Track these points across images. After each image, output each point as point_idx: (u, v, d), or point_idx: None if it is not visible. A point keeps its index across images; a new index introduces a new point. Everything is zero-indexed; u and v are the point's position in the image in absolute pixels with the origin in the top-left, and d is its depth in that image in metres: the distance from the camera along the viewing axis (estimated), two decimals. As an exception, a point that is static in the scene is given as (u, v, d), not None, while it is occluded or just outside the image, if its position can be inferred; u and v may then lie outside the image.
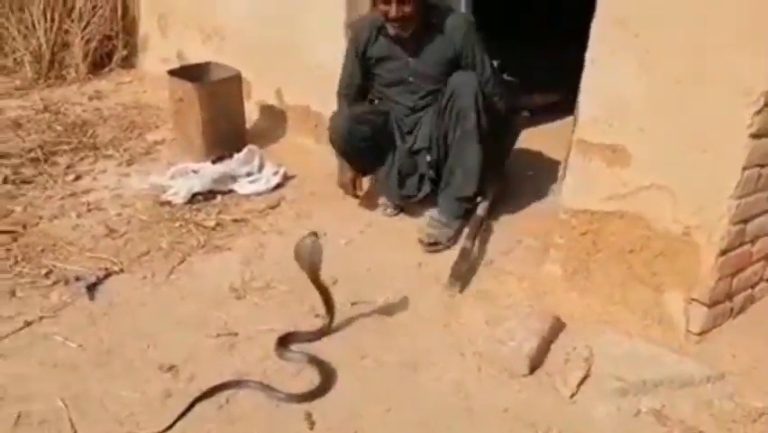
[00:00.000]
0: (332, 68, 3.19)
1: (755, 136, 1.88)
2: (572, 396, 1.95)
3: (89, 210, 2.89)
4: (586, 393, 1.96)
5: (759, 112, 1.84)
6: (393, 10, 2.57)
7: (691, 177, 2.03)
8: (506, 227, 2.79)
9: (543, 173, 3.21)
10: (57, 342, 2.10)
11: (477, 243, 2.61)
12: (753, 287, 2.25)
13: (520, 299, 2.38)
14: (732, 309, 2.20)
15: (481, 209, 2.73)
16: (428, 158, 2.82)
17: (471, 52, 2.69)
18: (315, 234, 2.10)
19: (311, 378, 2.00)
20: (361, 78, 2.88)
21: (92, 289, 2.34)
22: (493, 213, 2.83)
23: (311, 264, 2.08)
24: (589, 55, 2.17)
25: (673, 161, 2.05)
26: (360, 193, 2.97)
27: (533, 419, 1.87)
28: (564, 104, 3.85)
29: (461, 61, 2.70)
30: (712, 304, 2.09)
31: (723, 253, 2.02)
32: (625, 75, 2.09)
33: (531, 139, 3.45)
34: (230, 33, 3.80)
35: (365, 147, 2.85)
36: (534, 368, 2.04)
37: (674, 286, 2.14)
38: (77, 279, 2.38)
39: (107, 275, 2.44)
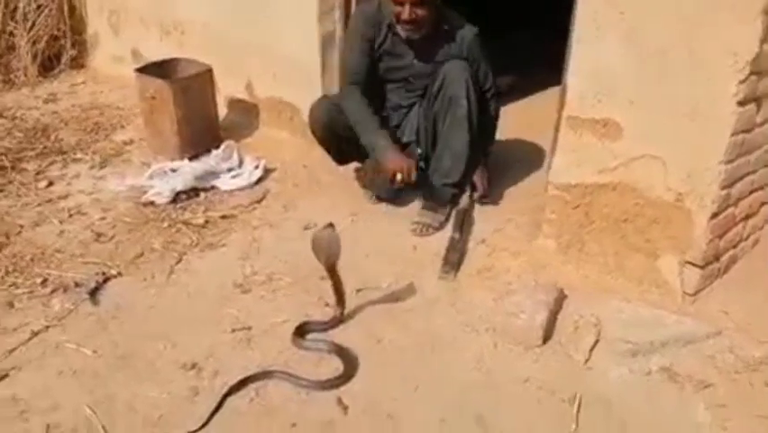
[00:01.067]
0: (304, 57, 3.19)
1: (741, 103, 2.01)
2: (586, 361, 2.05)
3: (71, 215, 2.80)
4: (599, 358, 2.06)
5: (745, 80, 1.97)
6: (406, 12, 2.56)
7: (681, 145, 2.14)
8: (493, 207, 2.86)
9: (521, 153, 3.31)
10: (70, 349, 2.04)
11: (463, 232, 2.67)
12: (735, 246, 2.40)
13: (518, 274, 2.46)
14: (719, 269, 2.34)
15: (466, 199, 2.81)
16: (418, 150, 2.86)
17: (477, 65, 2.73)
18: (331, 225, 2.12)
19: (334, 365, 2.02)
20: (369, 66, 2.78)
21: (94, 294, 2.29)
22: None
23: (329, 256, 2.09)
24: (575, 35, 2.26)
25: (663, 132, 2.16)
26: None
27: (554, 386, 1.96)
28: (520, 85, 4.01)
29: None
30: (704, 265, 2.22)
31: (713, 216, 2.15)
32: (612, 51, 2.18)
33: (505, 120, 3.54)
34: (192, 27, 3.72)
35: (346, 137, 2.85)
36: (546, 338, 2.12)
37: (668, 251, 2.27)
38: (77, 285, 2.32)
39: (106, 279, 2.38)
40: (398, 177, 2.65)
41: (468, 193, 2.86)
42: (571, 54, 2.30)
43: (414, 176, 2.67)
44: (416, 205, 2.87)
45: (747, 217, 2.38)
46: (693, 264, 2.23)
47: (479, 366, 2.04)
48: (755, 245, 2.50)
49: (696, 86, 2.06)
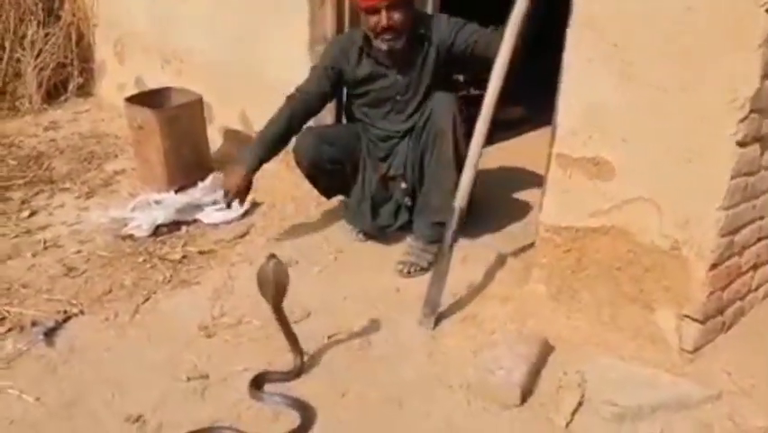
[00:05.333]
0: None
1: (742, 144, 1.83)
2: (567, 425, 1.85)
3: (46, 248, 2.72)
4: (581, 421, 1.86)
5: (744, 118, 1.79)
6: (384, 19, 2.45)
7: (677, 188, 1.96)
8: (485, 248, 2.69)
9: (517, 190, 3.15)
10: (12, 396, 1.92)
11: (449, 261, 2.48)
12: (742, 298, 2.19)
13: (505, 322, 2.28)
14: (724, 323, 2.13)
15: (451, 224, 2.58)
16: (403, 185, 2.72)
17: (459, 28, 2.56)
18: (273, 255, 1.98)
19: (291, 420, 1.86)
20: (322, 94, 2.70)
21: (50, 334, 2.18)
22: (471, 233, 2.73)
23: (276, 291, 1.95)
24: (564, 63, 2.11)
25: (658, 173, 1.99)
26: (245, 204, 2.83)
27: (528, 453, 1.77)
28: (528, 119, 3.84)
29: (455, 48, 2.57)
30: (705, 320, 2.02)
31: (713, 266, 1.96)
32: (603, 84, 2.03)
33: (503, 155, 3.40)
34: (190, 56, 3.67)
35: (332, 170, 2.73)
36: (525, 397, 1.93)
37: (665, 303, 2.07)
38: (34, 324, 2.21)
39: (67, 318, 2.27)
40: (228, 195, 2.63)
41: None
42: (561, 87, 2.15)
43: (241, 205, 2.76)
44: (406, 243, 2.72)
45: (756, 267, 2.18)
46: (692, 318, 2.03)
47: (448, 427, 1.86)
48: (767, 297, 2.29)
49: (692, 124, 1.89)
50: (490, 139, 2.65)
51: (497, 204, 3.00)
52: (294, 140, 2.75)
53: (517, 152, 3.51)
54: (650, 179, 2.01)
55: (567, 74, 2.11)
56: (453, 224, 2.28)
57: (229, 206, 2.68)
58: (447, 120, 2.49)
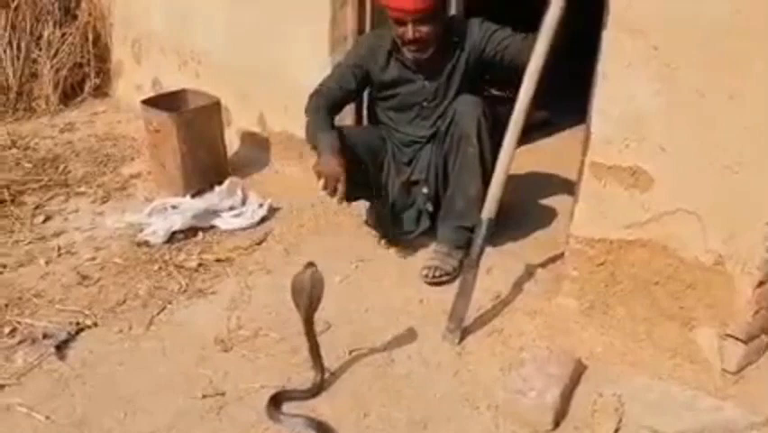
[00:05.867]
0: (316, 90, 3.00)
1: (792, 155, 1.71)
2: (604, 452, 1.75)
3: (60, 255, 2.66)
4: (619, 449, 1.76)
5: (797, 127, 1.67)
6: (410, 32, 2.35)
7: (722, 200, 1.85)
8: (511, 258, 2.58)
9: (543, 196, 3.03)
10: (21, 414, 1.86)
11: (477, 274, 2.38)
12: (788, 317, 2.06)
13: (533, 338, 2.18)
14: (768, 343, 2.01)
15: (480, 237, 2.49)
16: (425, 190, 2.62)
17: (491, 33, 2.45)
18: (312, 264, 1.89)
19: (310, 443, 1.78)
20: (347, 92, 2.57)
21: (62, 347, 2.11)
22: (496, 242, 2.63)
23: (310, 302, 1.87)
24: (600, 69, 1.99)
25: (701, 184, 1.87)
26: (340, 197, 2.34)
27: (563, 482, 1.67)
28: (551, 122, 3.71)
29: (486, 54, 2.46)
30: (748, 340, 1.91)
31: (760, 284, 1.84)
32: (642, 90, 1.92)
33: (526, 159, 3.28)
34: (208, 57, 3.59)
35: (355, 172, 2.63)
36: (558, 421, 1.83)
37: (706, 321, 1.95)
38: (45, 336, 2.14)
39: (79, 330, 2.20)
40: (320, 183, 2.30)
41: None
42: (595, 92, 2.04)
43: (339, 191, 2.29)
44: (430, 249, 2.62)
45: (804, 284, 2.05)
46: (735, 338, 1.91)
47: (476, 453, 1.76)
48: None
49: (739, 133, 1.77)
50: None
51: (521, 210, 2.89)
52: None
53: (541, 156, 3.39)
54: (692, 190, 1.90)
55: (602, 79, 2.00)
56: (482, 236, 2.18)
57: (333, 193, 2.31)
58: (471, 123, 2.39)
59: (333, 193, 2.31)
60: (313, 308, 1.89)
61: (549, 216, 2.86)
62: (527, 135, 3.44)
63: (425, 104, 2.57)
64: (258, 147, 3.42)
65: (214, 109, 3.13)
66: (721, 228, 1.86)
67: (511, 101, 2.42)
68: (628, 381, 1.96)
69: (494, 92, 3.33)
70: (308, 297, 1.87)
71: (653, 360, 2.04)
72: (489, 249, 2.60)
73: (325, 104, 2.49)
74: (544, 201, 2.98)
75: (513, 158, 2.18)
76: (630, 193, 2.03)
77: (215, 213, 2.89)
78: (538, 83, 2.09)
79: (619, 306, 2.14)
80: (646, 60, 1.89)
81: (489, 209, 2.18)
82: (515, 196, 2.86)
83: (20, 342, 2.14)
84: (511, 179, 2.80)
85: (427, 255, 2.59)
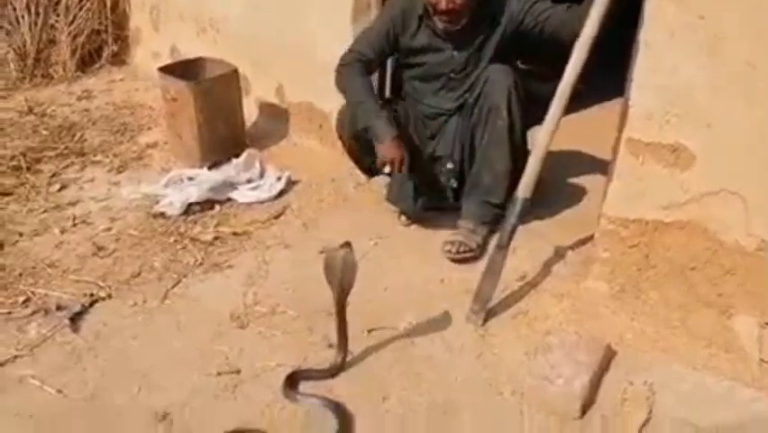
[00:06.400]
0: (336, 60, 2.90)
1: None
2: (634, 444, 1.67)
3: (75, 225, 2.60)
4: (650, 440, 1.68)
5: None
6: (443, 2, 2.25)
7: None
8: (539, 238, 2.48)
9: (574, 174, 2.91)
10: (33, 387, 1.81)
11: (507, 255, 2.30)
12: (831, 306, 1.95)
13: (560, 322, 2.09)
14: (810, 334, 1.91)
15: (513, 216, 2.40)
16: (450, 165, 2.52)
17: (531, 4, 2.33)
18: (348, 244, 1.82)
19: (327, 425, 1.71)
20: (380, 56, 2.50)
21: (76, 319, 2.06)
22: (523, 220, 2.53)
23: (342, 283, 1.80)
24: (642, 38, 1.87)
25: (747, 164, 1.76)
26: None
27: (590, 474, 1.59)
28: (583, 95, 3.56)
29: (524, 26, 2.34)
30: (791, 330, 1.80)
31: (806, 271, 1.73)
32: (687, 62, 1.80)
33: (562, 134, 3.16)
34: (226, 25, 3.49)
35: (373, 147, 2.54)
36: (585, 409, 1.75)
37: (745, 309, 1.86)
38: (59, 308, 2.10)
39: (93, 302, 2.15)
40: (386, 168, 2.38)
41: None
42: (635, 63, 1.92)
43: (404, 170, 2.35)
44: (453, 225, 2.53)
45: None
46: (777, 328, 1.81)
47: (499, 441, 1.69)
48: None
49: (792, 109, 1.65)
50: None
51: (550, 189, 2.77)
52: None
53: (572, 132, 3.24)
54: (736, 169, 1.79)
55: (644, 48, 1.88)
56: (516, 215, 2.09)
57: (399, 170, 2.36)
58: (502, 94, 2.29)
59: (399, 171, 2.36)
60: (344, 290, 1.82)
61: (578, 195, 2.75)
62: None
63: (452, 75, 2.46)
64: (276, 118, 3.33)
65: (232, 78, 3.04)
66: (766, 211, 1.75)
67: (536, 75, 2.32)
68: (660, 369, 1.87)
69: (520, 65, 3.21)
70: (340, 278, 1.80)
71: (687, 348, 1.95)
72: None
73: (366, 76, 2.44)
74: (574, 180, 2.86)
75: (554, 134, 2.05)
76: (670, 172, 1.92)
77: (232, 185, 2.82)
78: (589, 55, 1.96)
79: (652, 290, 2.04)
80: (692, 30, 1.76)
81: (525, 188, 2.08)
82: (544, 172, 2.76)
83: (33, 313, 2.09)
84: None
85: (450, 232, 2.50)
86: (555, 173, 2.89)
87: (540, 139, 2.06)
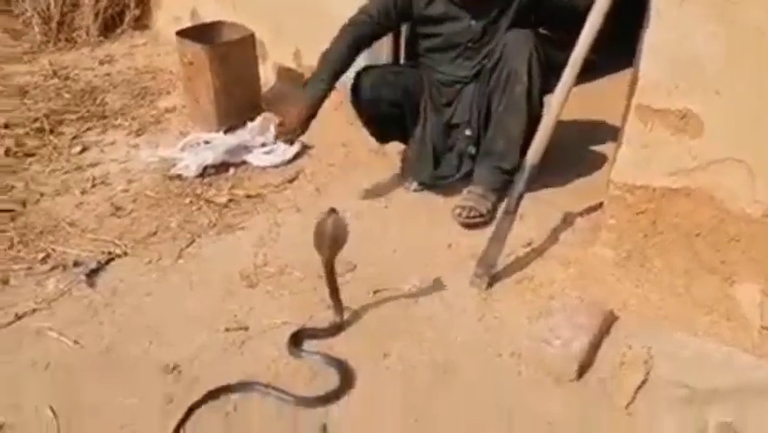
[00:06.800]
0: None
1: None
2: (628, 405, 1.69)
3: (94, 186, 2.68)
4: (644, 402, 1.70)
5: None
6: None
7: (775, 150, 1.72)
8: (547, 204, 2.48)
9: (587, 143, 2.90)
10: (51, 338, 1.90)
11: (514, 220, 2.30)
12: (837, 276, 1.94)
13: (564, 287, 2.11)
14: (814, 303, 1.90)
15: (521, 182, 2.41)
16: (468, 132, 2.51)
17: None
18: (334, 210, 1.86)
19: (329, 380, 1.77)
20: (384, 26, 2.49)
21: (92, 275, 2.14)
22: (532, 187, 2.54)
23: (332, 247, 1.84)
24: (653, 5, 1.85)
25: (754, 131, 1.75)
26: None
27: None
28: (596, 64, 3.51)
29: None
30: (793, 298, 1.80)
31: (810, 239, 1.72)
32: (697, 28, 1.77)
33: (574, 103, 3.12)
34: (245, -11, 3.51)
35: (390, 113, 2.55)
36: (583, 371, 1.78)
37: (748, 276, 1.86)
38: (77, 264, 2.18)
39: (110, 259, 2.23)
40: (276, 124, 2.47)
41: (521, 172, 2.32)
42: (646, 31, 1.89)
43: (291, 143, 2.51)
44: (465, 190, 2.54)
45: None
46: (780, 296, 1.81)
47: (496, 400, 1.72)
48: None
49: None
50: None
51: (563, 156, 2.76)
52: (352, 78, 2.58)
53: (584, 100, 3.21)
54: (744, 137, 1.77)
55: (655, 16, 1.85)
56: (524, 181, 2.10)
57: (291, 142, 2.51)
58: (522, 59, 2.27)
59: (279, 136, 2.47)
60: (333, 254, 1.86)
61: (589, 162, 2.73)
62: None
63: (469, 44, 2.44)
64: (293, 83, 3.35)
65: (248, 42, 3.06)
66: (772, 179, 1.74)
67: (554, 41, 2.30)
68: (661, 335, 1.88)
69: (541, 31, 3.17)
70: (329, 243, 1.84)
71: (690, 315, 1.96)
72: (525, 195, 2.53)
73: (351, 39, 2.43)
74: (585, 148, 2.85)
75: (566, 101, 2.05)
76: (678, 138, 1.91)
77: (247, 149, 2.86)
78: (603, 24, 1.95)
79: (657, 257, 2.05)
80: (703, -5, 1.73)
81: (534, 155, 2.09)
82: (555, 141, 2.75)
83: (52, 268, 2.17)
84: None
85: (461, 195, 2.51)
86: (568, 141, 2.87)
87: (552, 106, 2.06)
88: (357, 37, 2.44)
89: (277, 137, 2.47)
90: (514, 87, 2.32)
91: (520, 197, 2.15)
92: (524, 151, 2.37)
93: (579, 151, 2.86)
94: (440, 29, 2.44)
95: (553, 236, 2.34)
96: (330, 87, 2.43)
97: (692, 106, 1.84)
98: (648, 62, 1.91)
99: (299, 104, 2.40)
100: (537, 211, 2.43)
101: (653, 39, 1.88)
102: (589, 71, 3.44)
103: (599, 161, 2.70)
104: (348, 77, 2.54)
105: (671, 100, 1.88)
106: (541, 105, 2.41)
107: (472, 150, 2.55)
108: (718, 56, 1.75)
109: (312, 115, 2.42)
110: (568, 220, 2.40)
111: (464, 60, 2.49)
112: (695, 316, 1.96)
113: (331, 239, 1.84)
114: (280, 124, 2.43)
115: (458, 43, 2.44)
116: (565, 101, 2.05)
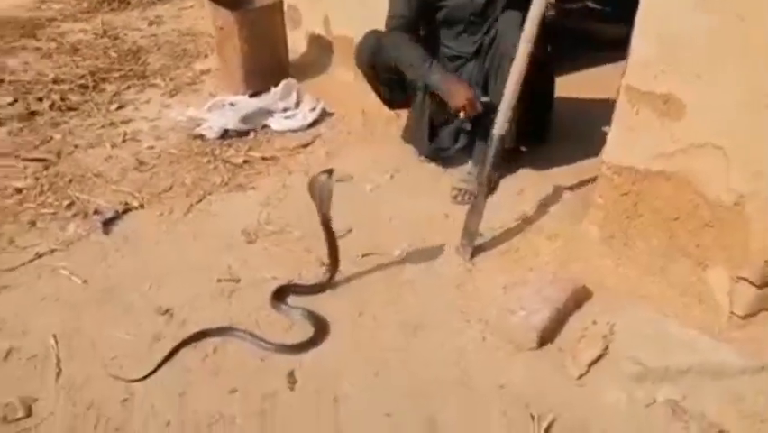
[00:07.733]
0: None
1: (831, 93, 1.55)
2: (580, 377, 1.76)
3: (125, 141, 2.89)
4: (597, 375, 1.77)
5: (837, 63, 1.50)
6: None
7: (751, 137, 1.72)
8: (546, 180, 2.53)
9: (595, 122, 2.89)
10: (63, 277, 2.11)
11: (486, 193, 2.27)
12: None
13: (547, 261, 2.17)
14: (786, 292, 1.90)
15: (490, 154, 2.23)
16: (484, 99, 2.56)
17: None
18: (329, 171, 1.97)
19: (304, 332, 1.91)
20: (417, 11, 2.52)
21: (109, 223, 2.34)
22: (536, 164, 2.59)
23: (320, 204, 1.96)
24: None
25: (732, 117, 1.74)
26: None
27: (531, 399, 1.71)
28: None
29: None
30: (762, 285, 1.81)
31: (779, 228, 1.72)
32: (682, 13, 1.77)
33: (588, 82, 3.12)
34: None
35: (389, 78, 2.60)
36: (544, 342, 1.85)
37: (720, 262, 1.87)
38: (96, 212, 2.39)
39: (127, 210, 2.43)
40: (461, 115, 2.40)
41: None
42: (638, 13, 1.90)
43: (479, 107, 2.38)
44: (465, 169, 2.61)
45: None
46: (748, 282, 1.82)
47: (456, 360, 1.83)
48: None
49: (777, 64, 1.62)
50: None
51: (576, 134, 2.78)
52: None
53: (609, 79, 3.21)
54: (722, 123, 1.77)
55: (644, -1, 1.86)
56: (492, 152, 2.16)
57: (472, 111, 2.42)
58: (513, 43, 2.30)
59: (473, 113, 2.40)
60: (322, 210, 1.97)
61: (595, 141, 2.73)
62: (600, 53, 3.27)
63: (472, 18, 2.48)
64: (322, 50, 3.45)
65: (276, 9, 3.18)
66: (746, 167, 1.74)
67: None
68: (630, 313, 1.93)
69: (590, 4, 3.16)
70: (317, 202, 1.96)
71: (664, 296, 1.99)
72: (525, 170, 2.61)
73: (407, 38, 2.47)
74: (591, 127, 2.84)
75: (523, 71, 2.11)
76: (661, 121, 1.92)
77: (269, 113, 3.00)
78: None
79: (639, 238, 2.08)
80: (688, -23, 1.73)
81: (499, 125, 2.14)
82: (568, 120, 2.78)
83: (74, 215, 2.39)
84: (560, 102, 2.74)
85: (461, 175, 2.58)
86: (584, 119, 2.90)
87: (511, 75, 2.11)
88: (410, 37, 2.48)
89: (466, 117, 2.46)
90: (506, 69, 2.35)
91: (491, 167, 2.20)
92: (523, 132, 2.43)
93: (593, 129, 2.86)
94: (444, 2, 2.48)
95: (546, 211, 2.39)
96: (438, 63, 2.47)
97: (675, 90, 1.85)
98: (637, 43, 1.92)
99: (458, 88, 2.39)
100: (536, 186, 2.49)
101: (642, 20, 1.89)
102: (618, 47, 3.41)
103: (604, 141, 2.70)
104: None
105: (656, 83, 1.89)
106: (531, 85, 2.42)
107: (467, 125, 2.59)
108: (699, 39, 1.75)
109: (463, 82, 2.45)
110: (563, 196, 2.44)
111: (468, 35, 2.53)
112: (670, 297, 1.98)
113: (318, 197, 1.96)
114: (463, 108, 2.41)
115: (461, 18, 2.49)
116: (523, 68, 2.10)
